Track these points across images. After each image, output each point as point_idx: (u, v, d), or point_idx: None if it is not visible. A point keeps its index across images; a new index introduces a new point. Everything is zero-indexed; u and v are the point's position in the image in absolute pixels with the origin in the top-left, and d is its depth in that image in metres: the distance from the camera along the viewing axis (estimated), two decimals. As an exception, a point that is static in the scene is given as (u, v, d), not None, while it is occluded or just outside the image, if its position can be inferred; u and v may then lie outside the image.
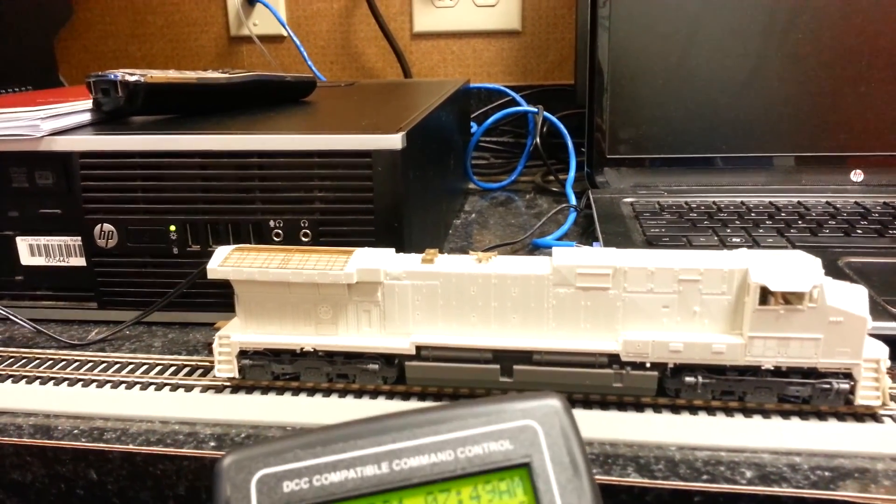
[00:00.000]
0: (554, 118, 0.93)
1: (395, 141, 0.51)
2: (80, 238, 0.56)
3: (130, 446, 0.42)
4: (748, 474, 0.37)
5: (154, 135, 0.54)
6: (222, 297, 0.55)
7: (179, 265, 0.55)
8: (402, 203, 0.52)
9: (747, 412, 0.42)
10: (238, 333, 0.46)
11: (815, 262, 0.40)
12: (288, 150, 0.52)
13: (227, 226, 0.54)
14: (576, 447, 0.27)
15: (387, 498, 0.27)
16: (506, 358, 0.44)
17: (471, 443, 0.27)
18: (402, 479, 0.27)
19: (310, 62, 1.13)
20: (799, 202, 0.76)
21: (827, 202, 0.76)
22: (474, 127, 1.02)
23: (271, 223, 0.53)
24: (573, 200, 0.86)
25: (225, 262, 0.45)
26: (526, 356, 0.43)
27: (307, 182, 0.52)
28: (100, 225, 0.55)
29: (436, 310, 0.44)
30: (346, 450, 0.28)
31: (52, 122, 0.55)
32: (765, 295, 0.40)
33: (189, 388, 0.47)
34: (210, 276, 0.45)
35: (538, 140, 0.92)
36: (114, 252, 0.56)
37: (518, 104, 0.98)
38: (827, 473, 0.37)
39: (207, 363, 0.50)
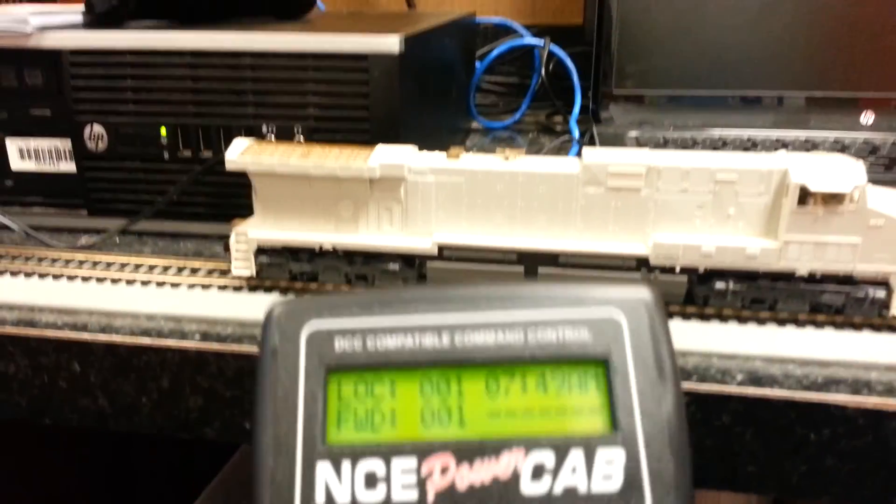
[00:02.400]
0: (560, 51, 0.89)
1: (392, 44, 0.47)
2: (70, 141, 0.53)
3: (115, 337, 0.39)
4: (799, 383, 0.35)
5: (142, 32, 0.50)
6: (214, 207, 0.53)
7: (170, 171, 0.52)
8: (398, 112, 0.49)
9: (779, 322, 0.40)
10: (256, 230, 0.43)
11: (858, 165, 0.38)
12: (281, 50, 0.49)
13: (218, 130, 0.51)
14: (664, 348, 0.24)
15: (445, 372, 0.24)
16: (531, 259, 0.41)
17: (544, 326, 0.24)
18: (464, 355, 0.24)
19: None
20: (807, 139, 0.74)
21: (835, 140, 0.73)
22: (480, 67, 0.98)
23: (264, 128, 0.50)
24: (576, 135, 0.84)
25: (244, 153, 0.42)
26: (552, 258, 0.41)
27: (301, 85, 0.49)
28: (90, 126, 0.52)
29: (460, 208, 0.42)
30: (407, 314, 0.24)
31: (42, 18, 0.52)
32: (804, 196, 0.38)
33: (205, 287, 0.44)
34: (228, 167, 0.42)
35: (543, 75, 0.89)
36: (104, 156, 0.52)
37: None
38: (889, 385, 0.35)
39: (201, 264, 0.47)
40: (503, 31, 1.01)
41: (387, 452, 0.23)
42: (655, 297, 0.24)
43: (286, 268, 0.43)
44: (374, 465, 0.23)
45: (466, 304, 0.24)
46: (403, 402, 0.23)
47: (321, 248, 0.42)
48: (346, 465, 0.23)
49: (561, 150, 0.80)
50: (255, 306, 0.42)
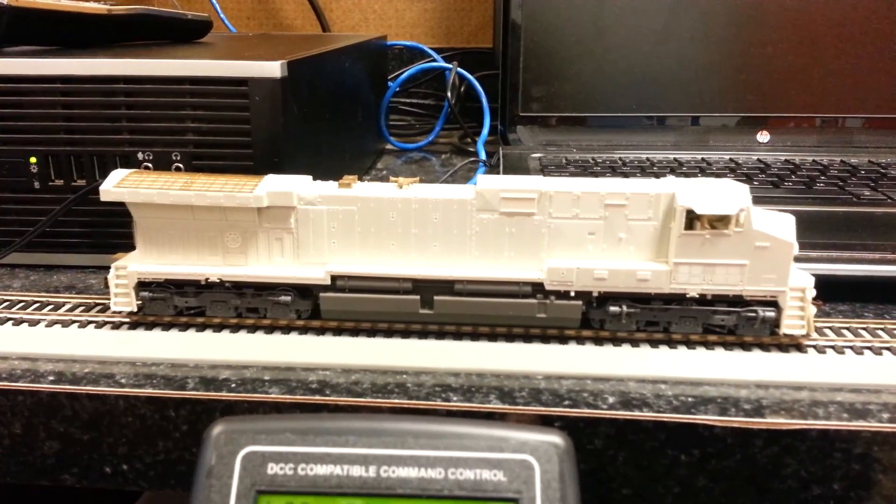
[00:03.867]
0: (468, 75, 0.89)
1: (273, 69, 0.45)
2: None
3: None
4: (668, 403, 0.35)
5: (10, 59, 0.47)
6: (89, 237, 0.50)
7: (42, 201, 0.49)
8: (282, 138, 0.47)
9: (672, 344, 0.39)
10: (136, 263, 0.40)
11: (743, 188, 0.38)
12: (156, 75, 0.46)
13: (91, 158, 0.48)
14: (571, 493, 0.26)
15: (368, 502, 0.25)
16: (426, 288, 0.40)
17: (464, 465, 0.26)
18: (388, 486, 0.25)
19: (223, 15, 1.06)
20: (702, 158, 0.75)
21: (730, 158, 0.75)
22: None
23: (140, 155, 0.47)
24: (483, 156, 0.83)
25: (121, 183, 0.39)
26: (447, 286, 0.40)
27: (179, 111, 0.47)
28: (-46, 158, 0.48)
29: (353, 237, 0.40)
30: (338, 444, 0.26)
31: None
32: (691, 220, 0.37)
33: (83, 325, 0.41)
34: (104, 197, 0.39)
35: (450, 97, 0.88)
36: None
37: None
38: (757, 402, 0.35)
39: (96, 300, 0.44)
40: (417, 54, 1.01)
41: None
42: (567, 444, 0.26)
43: (170, 303, 0.40)
44: None
45: (394, 438, 0.26)
46: None
47: (208, 280, 0.40)
48: None
49: (470, 170, 0.79)
50: (135, 344, 0.39)
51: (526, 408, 0.34)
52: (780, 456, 0.33)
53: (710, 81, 0.80)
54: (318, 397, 0.35)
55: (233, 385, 0.36)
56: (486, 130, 0.87)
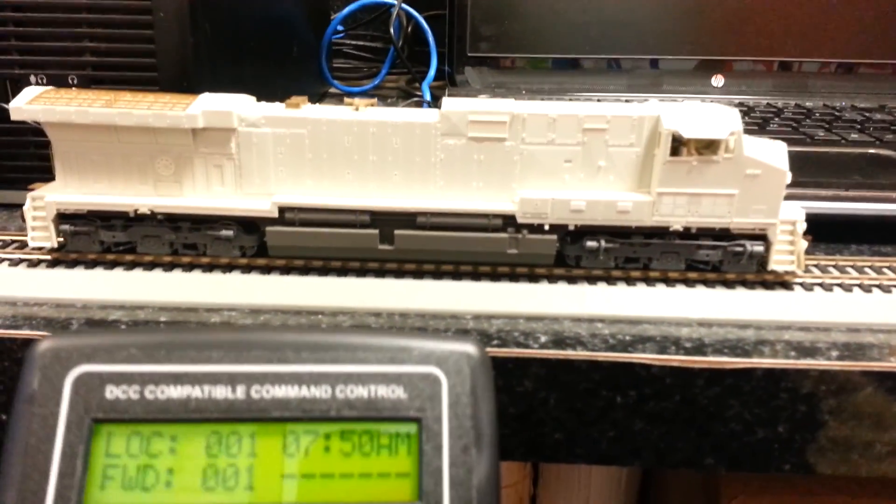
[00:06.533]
0: (415, 13, 0.83)
1: None
2: None
3: None
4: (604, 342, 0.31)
5: None
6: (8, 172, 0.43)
7: None
8: (192, 61, 0.40)
9: (650, 282, 0.36)
10: (55, 194, 0.34)
11: (732, 112, 0.34)
12: None
13: None
14: (485, 410, 0.21)
15: (236, 429, 0.20)
16: (386, 221, 0.35)
17: (355, 381, 0.20)
18: (260, 409, 0.20)
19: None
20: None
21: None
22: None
23: (32, 79, 0.41)
24: (428, 98, 0.78)
25: (35, 100, 0.33)
26: (409, 219, 0.35)
27: (75, 29, 0.40)
28: None
29: (303, 164, 0.35)
30: (196, 361, 0.20)
31: None
32: (677, 145, 0.33)
33: (-9, 263, 0.35)
34: (14, 116, 0.33)
35: (393, 36, 0.82)
36: None
37: (380, 2, 0.87)
38: (738, 343, 0.31)
39: (13, 236, 0.38)
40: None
41: None
42: (481, 354, 0.21)
43: (95, 237, 0.35)
44: None
45: (268, 352, 0.20)
46: (184, 460, 0.19)
47: (137, 212, 0.34)
48: None
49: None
50: (53, 284, 0.33)
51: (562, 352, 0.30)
52: (722, 397, 0.30)
53: (665, 23, 0.77)
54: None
55: (121, 326, 0.30)
56: (432, 71, 0.82)
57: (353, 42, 0.97)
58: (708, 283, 0.35)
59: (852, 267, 0.36)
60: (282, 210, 0.34)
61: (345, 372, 0.20)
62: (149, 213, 0.34)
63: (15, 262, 0.35)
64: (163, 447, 0.19)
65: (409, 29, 0.87)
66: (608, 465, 0.32)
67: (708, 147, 0.33)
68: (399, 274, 0.36)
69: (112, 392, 0.19)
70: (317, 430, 0.20)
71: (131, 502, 0.19)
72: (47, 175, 0.36)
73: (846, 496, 0.43)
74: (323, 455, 0.20)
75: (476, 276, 0.36)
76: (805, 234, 0.34)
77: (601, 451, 0.32)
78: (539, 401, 0.31)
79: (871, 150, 0.53)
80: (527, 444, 0.32)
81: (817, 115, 0.64)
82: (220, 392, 0.20)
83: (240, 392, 0.20)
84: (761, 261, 0.35)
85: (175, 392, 0.20)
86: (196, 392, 0.20)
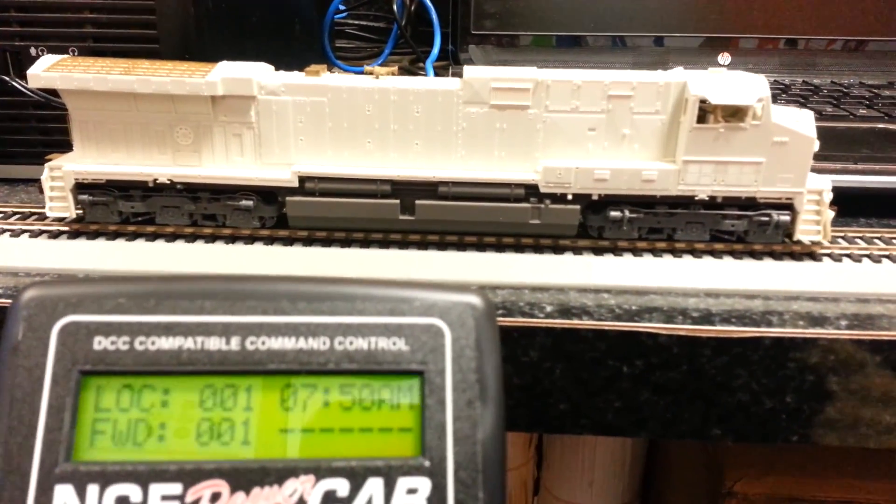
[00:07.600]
0: (421, -8, 0.81)
1: None
2: None
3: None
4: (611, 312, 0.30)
5: None
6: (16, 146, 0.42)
7: None
8: (194, 33, 0.40)
9: (657, 252, 0.35)
10: (73, 163, 0.33)
11: (759, 78, 0.33)
12: None
13: None
14: (490, 363, 0.20)
15: (231, 382, 0.19)
16: (407, 191, 0.34)
17: (354, 332, 0.19)
18: (256, 361, 0.19)
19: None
20: (666, 79, 0.70)
21: (693, 79, 0.70)
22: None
23: (32, 51, 0.40)
24: (432, 76, 0.77)
25: (52, 68, 0.32)
26: (430, 189, 0.34)
27: (74, 0, 0.39)
28: None
29: (323, 133, 0.34)
30: (189, 312, 0.19)
31: None
32: (703, 112, 0.32)
33: (15, 234, 0.34)
34: (32, 84, 0.32)
35: (397, 15, 0.81)
36: None
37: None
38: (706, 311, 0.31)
39: (32, 208, 0.37)
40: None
41: (146, 476, 0.18)
42: (487, 307, 0.20)
43: (114, 208, 0.34)
44: (129, 490, 0.18)
45: (264, 302, 0.19)
46: (177, 414, 0.19)
47: (156, 181, 0.33)
48: (92, 490, 0.17)
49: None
50: (73, 254, 0.32)
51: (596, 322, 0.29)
52: (729, 367, 0.29)
53: (672, 1, 0.76)
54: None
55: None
56: (436, 49, 0.81)
57: (356, 22, 0.95)
58: (735, 255, 0.35)
59: (879, 238, 0.36)
60: (302, 180, 0.34)
61: (344, 323, 0.19)
62: (168, 182, 0.33)
63: (35, 234, 0.34)
64: (155, 400, 0.19)
65: (413, 8, 0.85)
66: (614, 435, 0.31)
67: (735, 114, 0.32)
68: (422, 245, 0.35)
69: (100, 343, 0.19)
70: (315, 383, 0.19)
71: (122, 457, 0.18)
72: (48, 149, 0.35)
73: (849, 478, 0.42)
74: (322, 409, 0.19)
75: (493, 246, 0.35)
76: (831, 204, 0.34)
77: (607, 422, 0.31)
78: (544, 371, 0.30)
79: (880, 125, 0.52)
80: (532, 414, 0.31)
81: (825, 91, 0.64)
82: (214, 343, 0.19)
83: (234, 343, 0.19)
84: (787, 231, 0.34)
85: (166, 343, 0.19)
86: (188, 343, 0.19)
